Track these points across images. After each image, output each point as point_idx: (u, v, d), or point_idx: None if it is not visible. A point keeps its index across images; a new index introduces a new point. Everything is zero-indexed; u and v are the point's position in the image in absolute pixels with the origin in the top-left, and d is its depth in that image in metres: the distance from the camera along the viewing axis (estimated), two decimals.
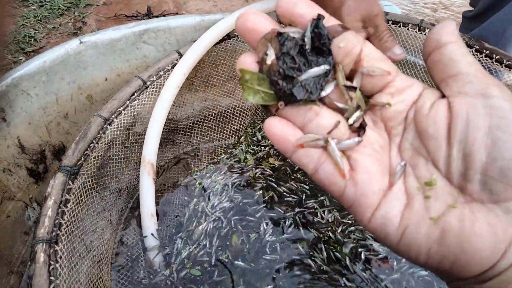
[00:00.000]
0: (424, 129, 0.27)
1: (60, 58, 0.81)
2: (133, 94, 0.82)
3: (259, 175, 0.94)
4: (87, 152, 0.72)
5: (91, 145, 0.73)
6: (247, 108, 1.04)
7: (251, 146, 1.01)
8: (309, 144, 0.28)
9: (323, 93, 0.29)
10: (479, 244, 0.24)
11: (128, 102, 0.81)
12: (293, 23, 0.29)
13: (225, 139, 1.04)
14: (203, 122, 1.01)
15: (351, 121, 0.29)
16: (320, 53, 0.29)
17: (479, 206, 0.25)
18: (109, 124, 0.77)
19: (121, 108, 0.80)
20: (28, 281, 0.56)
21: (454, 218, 0.25)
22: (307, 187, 0.91)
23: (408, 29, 0.90)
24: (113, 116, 0.78)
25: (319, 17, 0.28)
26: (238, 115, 1.04)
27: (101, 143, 0.75)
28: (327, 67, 0.28)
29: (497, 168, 0.24)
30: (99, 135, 0.75)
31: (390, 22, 0.90)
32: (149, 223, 0.79)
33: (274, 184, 0.91)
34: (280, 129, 0.28)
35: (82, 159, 0.71)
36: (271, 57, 0.28)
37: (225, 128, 1.04)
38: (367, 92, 0.30)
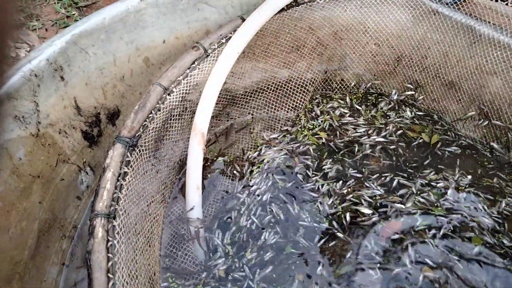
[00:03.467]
0: None
1: (119, 16, 0.76)
2: (193, 63, 0.76)
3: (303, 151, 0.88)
4: (145, 123, 0.68)
5: (150, 115, 0.69)
6: (309, 83, 0.97)
7: (310, 121, 0.95)
8: None
9: None
10: None
11: (188, 71, 0.75)
12: None
13: (283, 114, 0.97)
14: (260, 95, 0.95)
15: None
16: None
17: None
18: (169, 94, 0.72)
19: (181, 77, 0.74)
20: (87, 256, 0.55)
21: None
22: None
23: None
24: (173, 86, 0.73)
25: None
26: (298, 90, 0.97)
27: (160, 114, 0.71)
28: None
29: None
30: (158, 105, 0.70)
31: None
32: (194, 195, 0.74)
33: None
34: None
35: (141, 130, 0.67)
36: None
37: (283, 103, 0.97)
38: None
